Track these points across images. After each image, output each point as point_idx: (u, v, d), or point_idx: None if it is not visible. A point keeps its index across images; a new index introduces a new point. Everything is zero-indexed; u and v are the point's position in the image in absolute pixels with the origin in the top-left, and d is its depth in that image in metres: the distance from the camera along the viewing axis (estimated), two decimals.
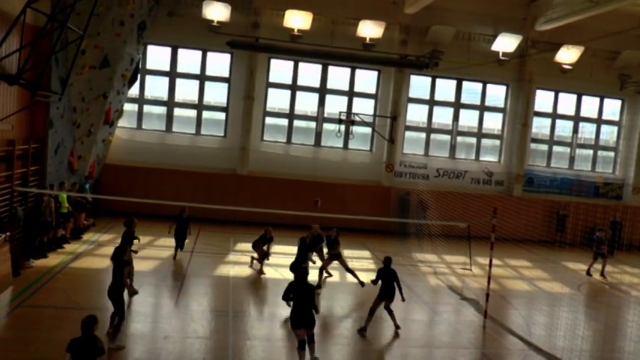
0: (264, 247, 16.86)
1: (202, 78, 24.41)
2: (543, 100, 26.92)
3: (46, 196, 15.72)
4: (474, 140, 26.73)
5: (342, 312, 14.27)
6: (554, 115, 27.21)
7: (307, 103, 25.40)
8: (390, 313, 12.75)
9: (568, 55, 24.49)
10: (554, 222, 25.64)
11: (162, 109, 24.44)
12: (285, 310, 13.40)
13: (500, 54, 24.19)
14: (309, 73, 25.04)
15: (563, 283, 18.36)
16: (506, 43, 24.06)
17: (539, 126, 27.04)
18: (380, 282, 12.72)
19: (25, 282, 13.66)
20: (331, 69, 25.06)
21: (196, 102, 24.51)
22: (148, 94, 24.30)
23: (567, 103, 27.24)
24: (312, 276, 15.47)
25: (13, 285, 13.30)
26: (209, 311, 13.24)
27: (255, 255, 17.02)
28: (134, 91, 23.48)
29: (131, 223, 14.22)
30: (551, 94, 27.01)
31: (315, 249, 16.33)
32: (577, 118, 27.33)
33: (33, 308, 12.32)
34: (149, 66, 24.05)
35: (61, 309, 12.36)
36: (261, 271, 16.61)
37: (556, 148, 27.46)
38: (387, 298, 12.65)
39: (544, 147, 27.32)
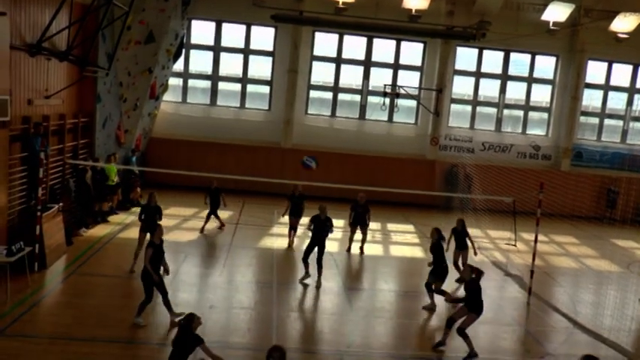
0: (290, 212, 16.51)
1: (246, 52, 24.46)
2: (595, 71, 25.96)
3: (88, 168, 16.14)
4: (521, 113, 26.10)
5: (386, 286, 14.30)
6: (606, 87, 26.23)
7: (352, 76, 25.22)
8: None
9: (624, 24, 23.35)
10: (603, 198, 24.91)
11: (206, 83, 24.68)
12: (327, 282, 13.56)
13: (551, 24, 23.30)
14: (354, 45, 24.79)
15: (611, 261, 17.85)
16: (557, 12, 23.17)
17: (590, 98, 26.16)
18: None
19: (78, 251, 14.20)
20: (376, 41, 24.74)
21: (240, 76, 24.62)
22: (193, 68, 24.55)
23: (621, 74, 26.19)
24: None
25: (66, 253, 13.85)
26: (254, 282, 13.48)
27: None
28: (179, 65, 23.74)
29: (150, 197, 13.68)
30: (604, 64, 25.98)
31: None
32: (632, 90, 26.22)
33: (85, 276, 12.82)
34: (193, 40, 24.25)
35: (111, 277, 12.81)
36: (290, 245, 16.52)
37: (608, 122, 26.52)
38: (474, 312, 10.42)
39: (595, 120, 26.43)
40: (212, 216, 17.32)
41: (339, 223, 19.23)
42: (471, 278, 10.57)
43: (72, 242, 14.60)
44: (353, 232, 16.68)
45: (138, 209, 18.87)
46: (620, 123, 26.53)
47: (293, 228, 16.69)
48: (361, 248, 16.43)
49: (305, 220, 15.31)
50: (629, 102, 26.28)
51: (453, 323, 10.44)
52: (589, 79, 25.86)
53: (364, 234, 16.58)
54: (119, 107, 19.65)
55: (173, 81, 23.78)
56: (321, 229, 13.39)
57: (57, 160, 15.40)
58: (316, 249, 13.36)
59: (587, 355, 8.68)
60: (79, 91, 16.99)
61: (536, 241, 13.82)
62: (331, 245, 16.82)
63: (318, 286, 13.27)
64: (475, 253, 14.82)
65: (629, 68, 26.10)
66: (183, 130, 23.73)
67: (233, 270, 14.23)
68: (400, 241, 18.55)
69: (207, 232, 17.18)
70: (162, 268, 10.61)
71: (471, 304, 10.42)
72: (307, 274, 13.45)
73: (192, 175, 17.54)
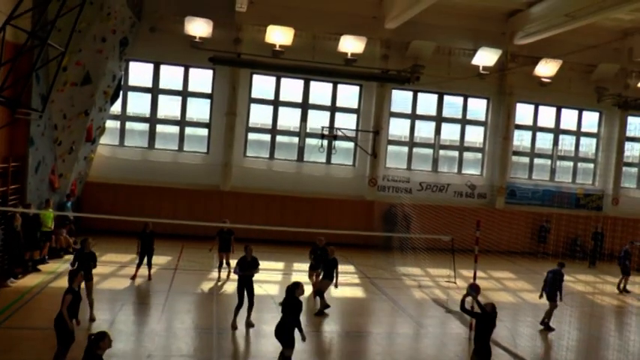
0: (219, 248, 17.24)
1: (185, 94, 24.38)
2: (524, 112, 27.27)
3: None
4: (456, 154, 26.92)
5: (328, 327, 14.19)
6: (534, 128, 27.55)
7: (289, 119, 25.43)
8: None
9: (547, 69, 24.88)
10: (536, 233, 25.83)
11: (144, 126, 24.33)
12: (268, 326, 13.32)
13: (481, 68, 24.53)
14: (291, 88, 25.12)
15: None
16: (486, 57, 24.40)
17: (520, 138, 27.35)
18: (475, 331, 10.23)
19: (4, 303, 13.41)
20: (313, 84, 25.16)
21: (179, 118, 24.45)
22: (130, 110, 24.21)
23: (547, 115, 27.62)
24: None
25: None
26: (193, 329, 13.09)
27: None
28: (116, 107, 23.37)
29: (84, 243, 13.19)
30: (532, 107, 27.36)
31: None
32: (557, 131, 27.68)
33: (11, 330, 12.10)
34: (131, 82, 23.99)
35: (40, 330, 12.14)
36: (219, 278, 17.30)
37: (537, 161, 27.76)
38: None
39: (525, 159, 27.60)
40: (144, 262, 16.38)
41: (278, 265, 19.17)
42: (485, 312, 9.81)
43: None
44: (311, 275, 16.59)
45: (71, 257, 18.30)
46: (548, 162, 27.80)
47: (221, 263, 17.28)
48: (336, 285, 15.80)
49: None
50: (555, 142, 27.65)
51: None
52: (518, 121, 27.08)
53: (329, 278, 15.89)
54: (53, 151, 19.04)
55: (110, 123, 23.32)
56: (248, 271, 13.18)
57: None
58: (245, 292, 13.14)
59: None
60: (10, 135, 16.40)
61: (475, 277, 14.08)
62: (272, 288, 16.68)
63: (250, 324, 13.10)
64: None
65: (554, 110, 27.54)
66: (120, 173, 23.18)
67: (172, 317, 13.80)
68: (341, 282, 18.48)
69: (143, 278, 16.57)
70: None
71: (480, 347, 9.71)
72: (234, 326, 13.02)
73: (130, 220, 17.05)
